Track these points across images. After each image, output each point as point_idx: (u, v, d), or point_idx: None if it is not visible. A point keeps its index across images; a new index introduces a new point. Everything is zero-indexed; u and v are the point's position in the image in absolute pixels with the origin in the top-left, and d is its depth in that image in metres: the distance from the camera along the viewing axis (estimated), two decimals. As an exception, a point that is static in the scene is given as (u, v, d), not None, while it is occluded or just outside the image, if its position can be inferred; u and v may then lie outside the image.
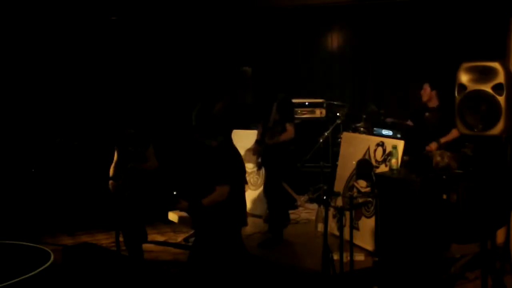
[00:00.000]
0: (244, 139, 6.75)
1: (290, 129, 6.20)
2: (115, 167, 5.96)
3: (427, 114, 6.60)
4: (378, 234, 5.17)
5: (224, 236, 4.60)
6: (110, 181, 5.88)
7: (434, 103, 6.57)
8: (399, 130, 6.55)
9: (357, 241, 5.69)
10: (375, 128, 6.76)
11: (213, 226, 4.57)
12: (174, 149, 7.79)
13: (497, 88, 4.50)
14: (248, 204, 6.25)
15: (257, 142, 6.51)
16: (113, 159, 6.02)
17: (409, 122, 6.86)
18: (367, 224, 5.91)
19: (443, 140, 6.21)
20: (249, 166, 6.87)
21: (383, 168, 5.76)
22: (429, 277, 4.82)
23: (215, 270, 4.55)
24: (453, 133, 6.02)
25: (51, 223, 7.15)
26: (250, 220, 6.52)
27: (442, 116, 6.36)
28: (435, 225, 4.78)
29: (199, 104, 7.26)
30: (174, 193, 4.48)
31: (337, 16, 8.83)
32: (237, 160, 4.71)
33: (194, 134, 4.64)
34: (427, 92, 6.56)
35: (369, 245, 5.83)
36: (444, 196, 4.76)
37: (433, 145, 6.20)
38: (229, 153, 4.64)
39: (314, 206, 7.23)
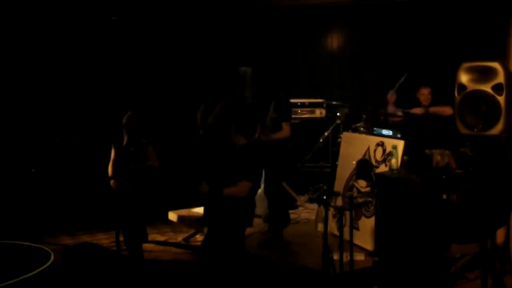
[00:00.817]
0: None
1: (285, 128, 6.20)
2: (113, 166, 5.97)
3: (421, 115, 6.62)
4: (378, 234, 5.16)
5: (231, 234, 4.63)
6: (112, 181, 5.88)
7: (427, 101, 6.59)
8: (399, 130, 6.55)
9: (357, 241, 5.69)
10: (375, 128, 6.77)
11: (223, 221, 4.60)
12: (183, 147, 7.79)
13: (497, 88, 4.50)
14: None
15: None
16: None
17: (400, 113, 6.86)
18: (367, 224, 5.91)
19: (432, 110, 6.17)
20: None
21: (383, 168, 5.76)
22: (429, 277, 4.82)
23: (219, 268, 4.58)
24: (444, 108, 6.01)
25: (51, 223, 7.15)
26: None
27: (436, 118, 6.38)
28: (435, 225, 4.77)
29: (203, 105, 7.29)
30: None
31: (337, 16, 8.83)
32: (261, 161, 4.75)
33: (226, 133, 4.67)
34: (428, 97, 6.58)
35: (369, 245, 5.83)
36: (444, 196, 4.76)
37: (418, 110, 6.15)
38: (257, 153, 4.69)
39: (314, 206, 7.23)
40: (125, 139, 5.94)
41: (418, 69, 7.95)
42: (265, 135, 6.24)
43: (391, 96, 7.09)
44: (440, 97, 6.61)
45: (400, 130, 6.59)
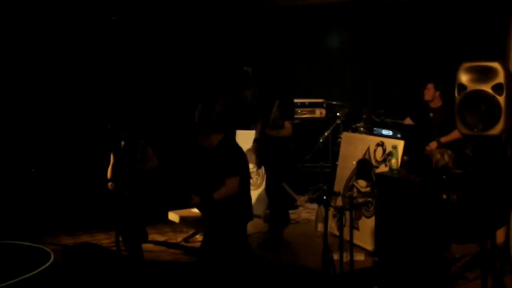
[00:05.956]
0: (244, 139, 6.76)
1: (287, 126, 6.22)
2: (112, 169, 5.98)
3: (432, 114, 6.59)
4: (378, 234, 5.17)
5: (233, 231, 4.65)
6: (110, 183, 5.88)
7: (436, 103, 6.55)
8: (399, 130, 6.54)
9: (357, 241, 5.69)
10: (375, 128, 6.76)
11: (223, 221, 4.61)
12: (181, 147, 7.79)
13: (497, 88, 4.49)
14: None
15: (256, 140, 6.52)
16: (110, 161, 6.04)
17: (408, 120, 6.85)
18: (367, 224, 5.92)
19: (443, 139, 6.19)
20: (250, 166, 6.88)
21: (383, 168, 5.76)
22: (429, 277, 4.82)
23: (224, 267, 4.59)
24: (455, 134, 6.00)
25: (51, 223, 7.15)
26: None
27: (445, 117, 6.34)
28: (435, 225, 4.78)
29: (200, 104, 7.31)
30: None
31: (337, 16, 8.83)
32: (242, 154, 4.77)
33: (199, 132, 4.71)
34: (431, 92, 6.54)
35: (369, 245, 5.83)
36: (444, 196, 4.76)
37: (433, 145, 6.19)
38: (234, 148, 4.71)
39: (314, 206, 7.23)
40: (123, 143, 5.96)
41: (418, 69, 7.96)
42: (272, 130, 6.25)
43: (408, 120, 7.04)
44: (443, 97, 6.59)
45: (400, 130, 6.58)
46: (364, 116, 7.19)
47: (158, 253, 6.39)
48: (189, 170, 7.01)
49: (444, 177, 4.85)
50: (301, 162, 7.91)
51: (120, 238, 5.82)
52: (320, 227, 6.37)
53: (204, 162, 4.83)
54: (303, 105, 8.38)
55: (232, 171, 4.55)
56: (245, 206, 4.75)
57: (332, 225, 6.19)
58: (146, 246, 6.22)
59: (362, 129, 7.02)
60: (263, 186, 6.91)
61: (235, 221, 4.67)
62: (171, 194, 5.70)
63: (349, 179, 6.29)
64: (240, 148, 4.83)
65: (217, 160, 4.63)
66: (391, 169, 5.19)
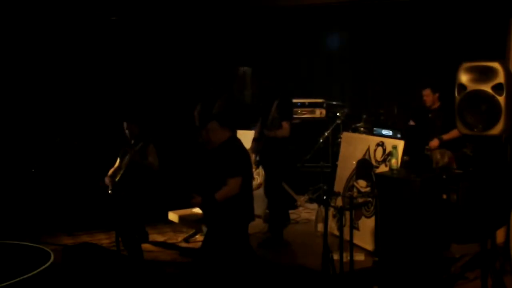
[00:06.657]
0: (244, 139, 6.75)
1: (285, 126, 6.21)
2: (114, 171, 5.98)
3: (430, 115, 6.61)
4: (378, 234, 5.17)
5: (235, 231, 4.65)
6: (107, 178, 5.88)
7: (435, 105, 6.58)
8: (400, 130, 6.55)
9: (357, 241, 5.69)
10: (375, 128, 6.77)
11: (224, 221, 4.61)
12: (182, 147, 7.80)
13: (497, 88, 4.50)
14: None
15: (255, 140, 6.52)
16: (113, 162, 6.04)
17: (411, 122, 6.86)
18: (367, 224, 5.92)
19: (445, 137, 6.20)
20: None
21: (383, 168, 5.76)
22: (429, 277, 4.83)
23: (224, 266, 4.59)
24: (456, 131, 6.02)
25: (51, 223, 7.15)
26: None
27: (445, 116, 6.36)
28: (435, 225, 4.78)
29: (199, 104, 7.31)
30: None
31: (337, 16, 8.83)
32: (245, 154, 4.77)
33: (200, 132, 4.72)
34: (430, 97, 6.58)
35: (369, 245, 5.83)
36: (444, 196, 4.77)
37: (435, 142, 6.19)
38: (237, 147, 4.71)
39: (314, 206, 7.23)
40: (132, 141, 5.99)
41: (418, 68, 7.96)
42: (269, 130, 6.26)
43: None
44: (441, 97, 6.60)
45: (400, 130, 6.59)
46: (364, 116, 7.20)
47: (158, 253, 6.39)
48: (191, 169, 7.02)
49: (444, 177, 4.85)
50: (301, 162, 7.91)
51: (120, 239, 5.82)
52: (320, 227, 6.37)
53: (206, 162, 4.83)
54: (303, 105, 8.39)
55: (235, 171, 4.55)
56: (247, 207, 4.75)
57: (332, 225, 6.19)
58: (146, 246, 6.22)
59: (362, 129, 7.03)
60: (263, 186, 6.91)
61: (236, 221, 4.67)
62: (173, 193, 5.71)
63: (349, 179, 6.29)
64: (244, 148, 4.83)
65: (220, 160, 4.63)
66: (391, 169, 5.19)
